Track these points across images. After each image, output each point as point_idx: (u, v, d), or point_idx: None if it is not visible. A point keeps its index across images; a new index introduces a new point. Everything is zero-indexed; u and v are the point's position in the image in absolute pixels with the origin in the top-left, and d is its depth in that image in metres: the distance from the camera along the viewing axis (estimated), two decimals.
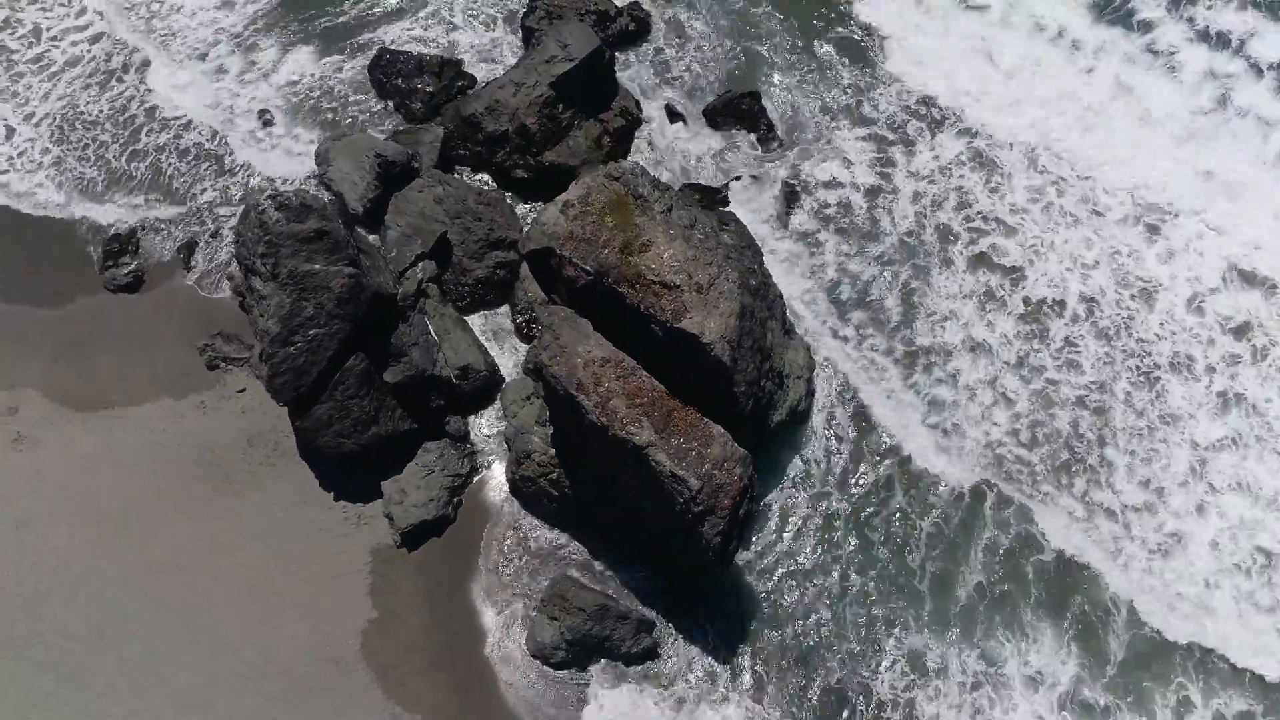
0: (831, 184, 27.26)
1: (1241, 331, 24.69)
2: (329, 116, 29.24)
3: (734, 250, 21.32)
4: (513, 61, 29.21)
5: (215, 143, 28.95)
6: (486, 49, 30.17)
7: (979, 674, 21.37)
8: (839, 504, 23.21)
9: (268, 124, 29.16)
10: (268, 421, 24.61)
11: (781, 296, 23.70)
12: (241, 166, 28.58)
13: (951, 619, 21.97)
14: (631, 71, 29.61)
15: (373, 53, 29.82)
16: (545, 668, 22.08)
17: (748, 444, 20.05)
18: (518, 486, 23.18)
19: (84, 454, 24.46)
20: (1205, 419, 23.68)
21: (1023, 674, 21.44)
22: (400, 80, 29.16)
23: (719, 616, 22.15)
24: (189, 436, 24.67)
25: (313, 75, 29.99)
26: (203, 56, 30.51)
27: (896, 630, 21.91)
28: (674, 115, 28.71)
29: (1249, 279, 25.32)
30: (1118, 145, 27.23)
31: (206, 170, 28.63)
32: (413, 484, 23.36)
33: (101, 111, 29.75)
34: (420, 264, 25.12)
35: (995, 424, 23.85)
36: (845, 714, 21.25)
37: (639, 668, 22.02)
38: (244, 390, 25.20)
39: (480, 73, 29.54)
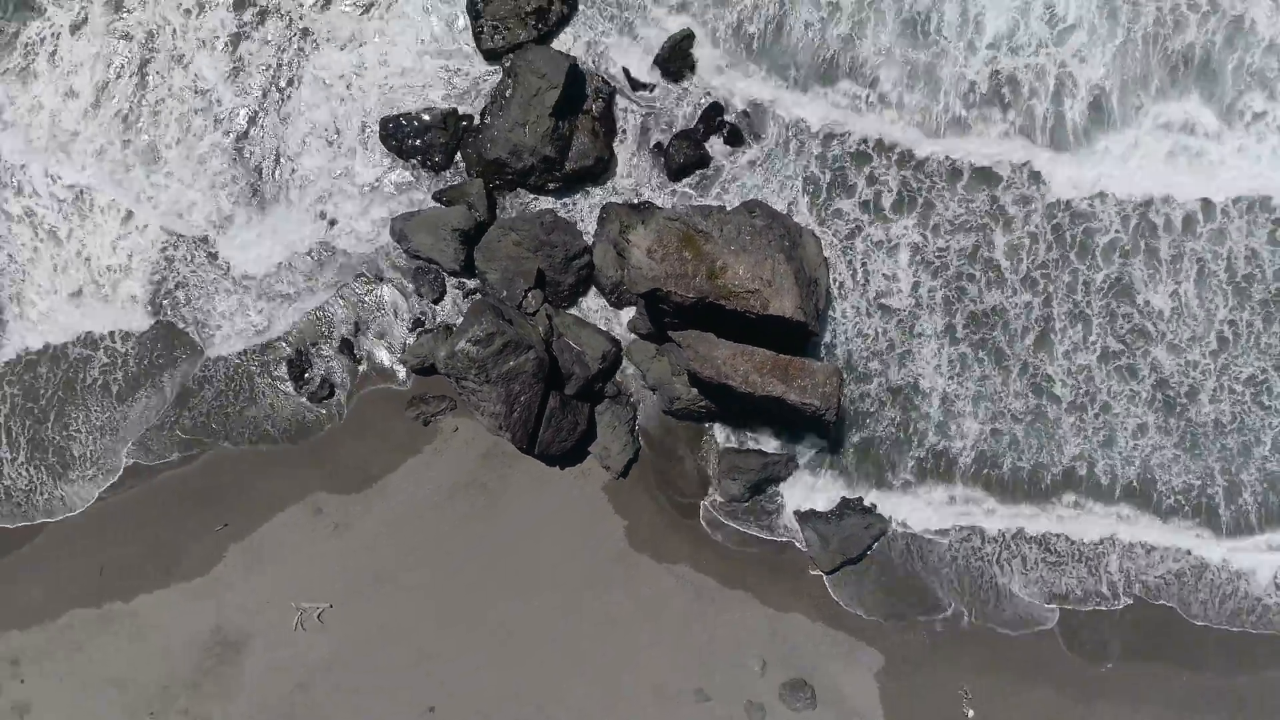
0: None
1: None
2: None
3: (767, 230, 30.77)
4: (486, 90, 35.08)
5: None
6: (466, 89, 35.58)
7: None
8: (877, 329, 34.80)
9: (333, 223, 35.61)
10: (489, 442, 34.99)
11: (796, 224, 33.27)
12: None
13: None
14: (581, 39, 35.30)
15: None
16: (738, 505, 35.15)
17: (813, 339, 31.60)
18: (674, 413, 34.54)
19: (380, 520, 34.97)
20: None
21: None
22: (416, 140, 35.17)
23: (835, 435, 34.78)
24: (441, 476, 35.12)
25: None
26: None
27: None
28: (633, 82, 35.37)
29: None
30: None
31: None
32: (609, 441, 34.62)
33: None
34: (529, 294, 34.07)
35: None
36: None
37: (792, 476, 35.19)
38: (457, 429, 35.21)
39: (463, 104, 35.34)
